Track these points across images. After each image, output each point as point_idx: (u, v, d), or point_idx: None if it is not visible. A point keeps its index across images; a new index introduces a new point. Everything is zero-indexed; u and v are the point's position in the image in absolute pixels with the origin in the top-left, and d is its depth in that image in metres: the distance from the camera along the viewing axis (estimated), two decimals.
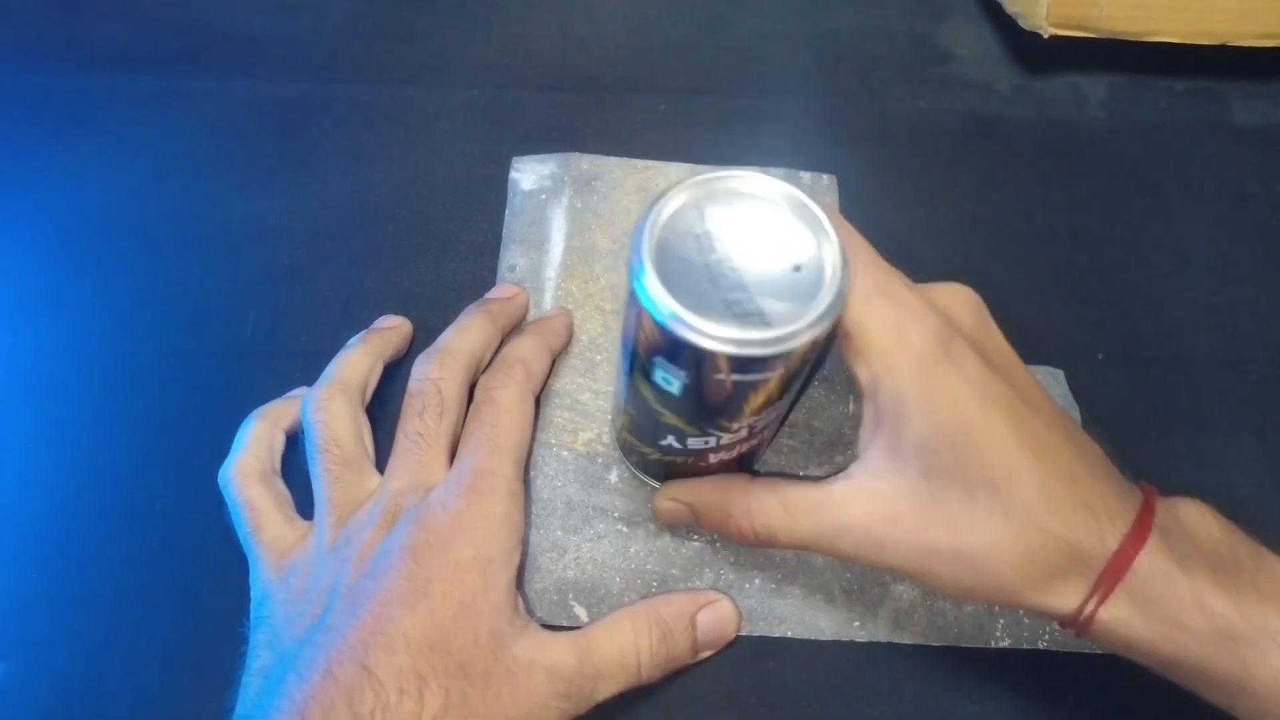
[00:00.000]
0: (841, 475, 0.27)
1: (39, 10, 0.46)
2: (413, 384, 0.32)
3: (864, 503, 0.27)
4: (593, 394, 0.36)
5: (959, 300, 0.27)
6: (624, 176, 0.42)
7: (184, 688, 0.32)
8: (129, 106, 0.43)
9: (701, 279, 0.23)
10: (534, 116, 0.44)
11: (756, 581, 0.33)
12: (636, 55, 0.47)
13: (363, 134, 0.43)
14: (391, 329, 0.37)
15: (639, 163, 0.42)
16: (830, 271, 0.23)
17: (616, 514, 0.34)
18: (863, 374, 0.26)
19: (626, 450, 0.33)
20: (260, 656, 0.29)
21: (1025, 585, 0.25)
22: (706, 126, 0.44)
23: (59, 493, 0.34)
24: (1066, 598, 0.25)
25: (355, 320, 0.38)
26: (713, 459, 0.30)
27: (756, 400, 0.25)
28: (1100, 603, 0.25)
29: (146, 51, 0.45)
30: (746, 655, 0.33)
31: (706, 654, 0.32)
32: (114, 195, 0.41)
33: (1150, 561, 0.24)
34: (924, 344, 0.25)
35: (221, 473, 0.33)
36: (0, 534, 0.34)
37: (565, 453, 0.35)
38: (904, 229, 0.42)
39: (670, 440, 0.29)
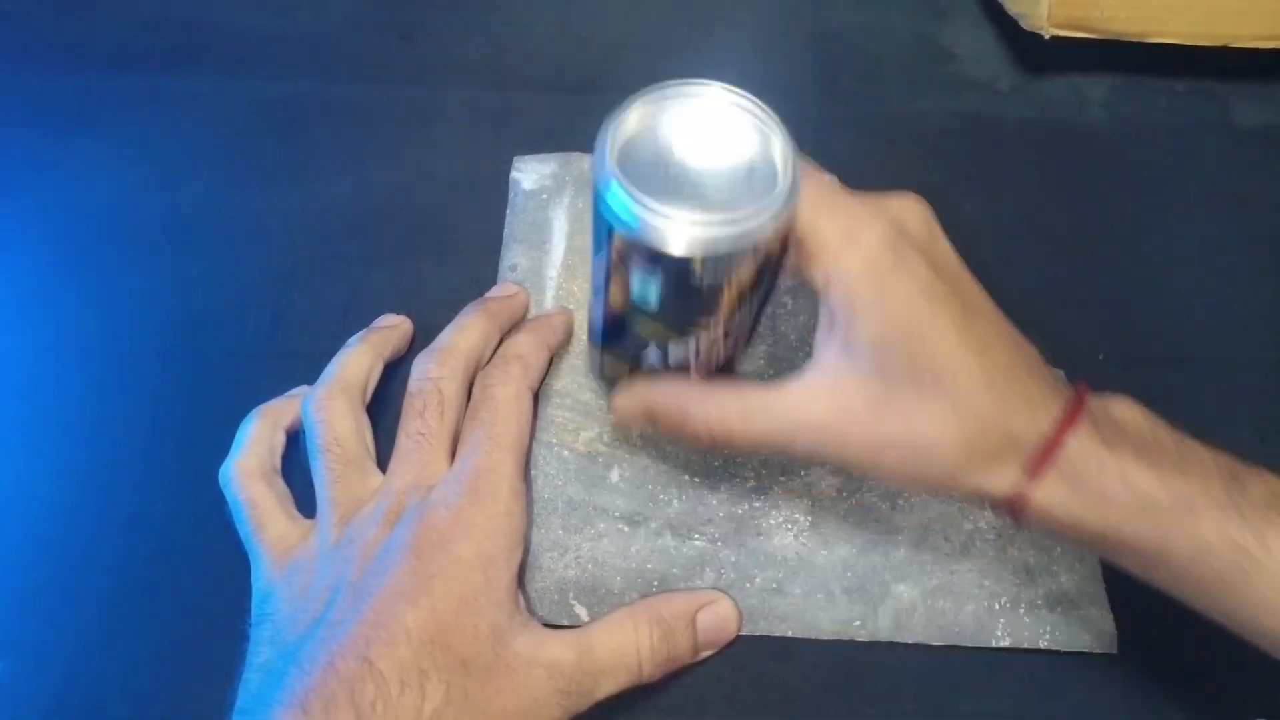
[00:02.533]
0: (796, 375, 0.28)
1: (39, 10, 0.46)
2: (412, 384, 0.33)
3: (819, 400, 0.28)
4: (594, 393, 0.36)
5: (908, 209, 0.29)
6: None
7: (184, 687, 0.31)
8: (129, 106, 0.43)
9: (664, 184, 0.24)
10: (534, 116, 0.44)
11: (757, 581, 0.33)
12: (636, 55, 0.47)
13: (363, 134, 0.43)
14: (391, 328, 0.37)
15: None
16: (783, 166, 0.25)
17: (617, 513, 0.34)
18: (817, 276, 0.27)
19: (609, 381, 0.34)
20: (262, 652, 0.29)
21: (967, 469, 0.27)
22: None
23: (59, 493, 0.34)
24: (1004, 479, 0.27)
25: (355, 320, 0.38)
26: (692, 367, 0.30)
27: (730, 296, 0.27)
28: (1033, 481, 0.26)
29: (146, 51, 0.45)
30: (746, 655, 0.33)
31: (707, 653, 0.32)
32: (114, 195, 0.41)
33: (1079, 442, 0.26)
34: (873, 245, 0.26)
35: (222, 472, 0.33)
36: (0, 534, 0.34)
37: (566, 452, 0.35)
38: None
39: (650, 352, 0.30)
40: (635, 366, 0.31)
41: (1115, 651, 0.33)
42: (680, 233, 0.24)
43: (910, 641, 0.33)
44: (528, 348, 0.34)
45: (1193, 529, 0.25)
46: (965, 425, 0.26)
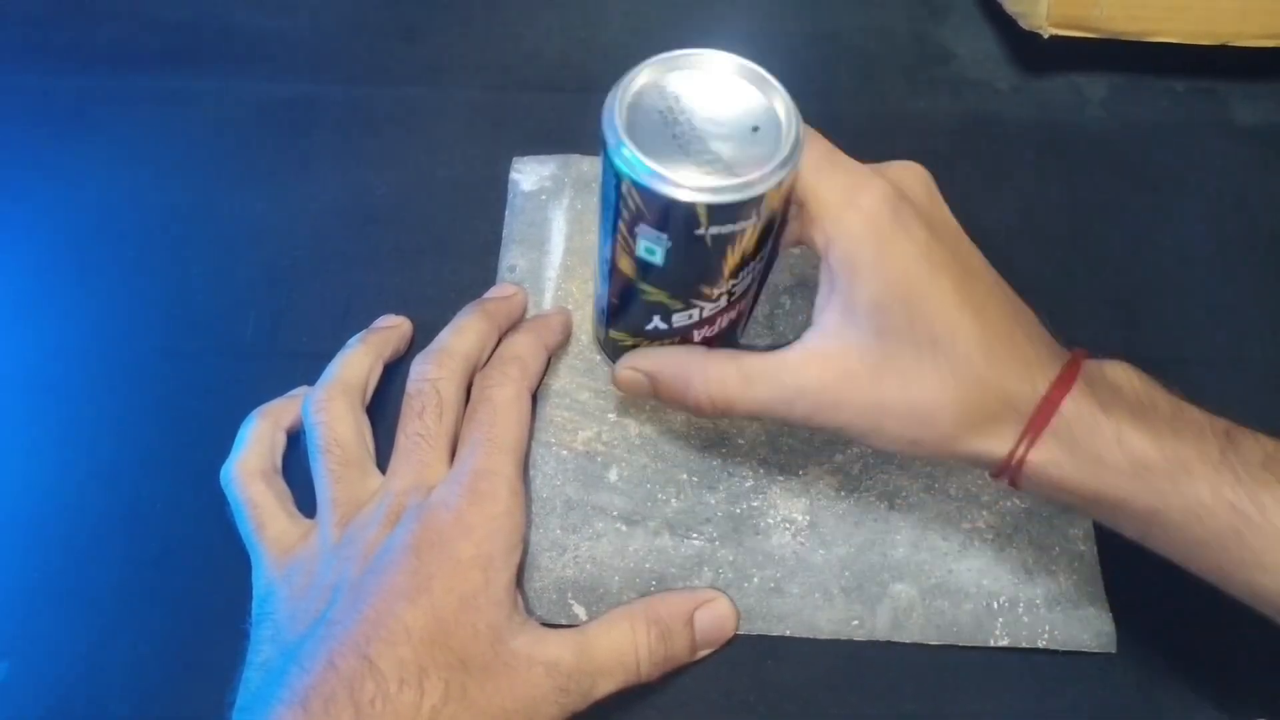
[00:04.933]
0: (796, 341, 0.28)
1: (38, 10, 0.46)
2: (411, 385, 0.33)
3: (819, 364, 0.28)
4: (592, 393, 0.36)
5: (909, 174, 0.29)
6: None
7: (184, 687, 0.32)
8: (129, 106, 0.43)
9: (671, 145, 0.25)
10: (534, 117, 0.44)
11: (755, 580, 0.33)
12: (636, 55, 0.47)
13: (363, 134, 0.43)
14: (391, 328, 0.37)
15: None
16: (786, 125, 0.26)
17: (615, 513, 0.34)
18: (818, 238, 0.27)
19: (612, 349, 0.34)
20: (262, 651, 0.29)
21: (965, 432, 0.27)
22: None
23: (59, 493, 0.34)
24: (1000, 442, 0.27)
25: (356, 321, 0.38)
26: (696, 337, 0.31)
27: (734, 258, 0.27)
28: (1030, 445, 0.26)
29: (146, 51, 0.45)
30: (745, 654, 0.33)
31: (705, 652, 0.32)
32: (114, 195, 0.41)
33: (1075, 405, 0.26)
34: (874, 207, 0.26)
35: (224, 471, 0.33)
36: (1, 534, 0.34)
37: (564, 452, 0.35)
38: None
39: (656, 321, 0.30)
40: (638, 337, 0.31)
41: (1114, 651, 0.33)
42: (687, 183, 0.24)
43: (908, 641, 0.33)
44: (526, 349, 0.34)
45: (1188, 490, 0.25)
46: (962, 388, 0.26)
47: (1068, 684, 0.33)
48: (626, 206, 0.26)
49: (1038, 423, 0.26)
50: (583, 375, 0.37)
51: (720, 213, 0.25)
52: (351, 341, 0.36)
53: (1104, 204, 0.44)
